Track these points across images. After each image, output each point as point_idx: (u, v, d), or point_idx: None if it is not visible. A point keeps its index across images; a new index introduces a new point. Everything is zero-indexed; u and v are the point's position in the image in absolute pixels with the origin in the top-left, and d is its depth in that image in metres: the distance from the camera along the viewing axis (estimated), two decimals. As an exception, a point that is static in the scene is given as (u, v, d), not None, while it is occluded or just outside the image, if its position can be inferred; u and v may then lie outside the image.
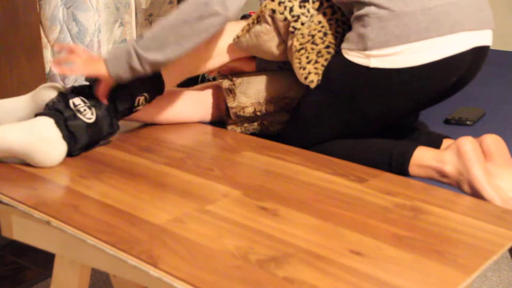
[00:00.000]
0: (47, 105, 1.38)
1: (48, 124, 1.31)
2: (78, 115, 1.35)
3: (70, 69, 1.38)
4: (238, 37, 1.51)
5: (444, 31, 1.26)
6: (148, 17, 2.53)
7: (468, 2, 1.29)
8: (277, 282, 0.88)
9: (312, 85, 1.38)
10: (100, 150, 1.41)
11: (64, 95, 1.39)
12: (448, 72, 1.30)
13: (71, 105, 1.36)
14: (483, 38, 1.31)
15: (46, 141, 1.28)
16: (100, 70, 1.37)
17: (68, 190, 1.18)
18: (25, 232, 1.19)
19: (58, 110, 1.35)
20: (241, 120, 1.57)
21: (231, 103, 1.54)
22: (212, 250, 0.96)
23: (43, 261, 2.14)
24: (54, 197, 1.15)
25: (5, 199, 1.16)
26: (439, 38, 1.26)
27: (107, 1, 2.32)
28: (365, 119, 1.36)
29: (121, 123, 1.65)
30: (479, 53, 1.32)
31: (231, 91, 1.55)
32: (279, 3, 1.42)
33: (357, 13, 1.30)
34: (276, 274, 0.90)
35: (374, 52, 1.27)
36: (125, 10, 2.42)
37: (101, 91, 1.41)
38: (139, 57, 1.35)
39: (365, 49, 1.28)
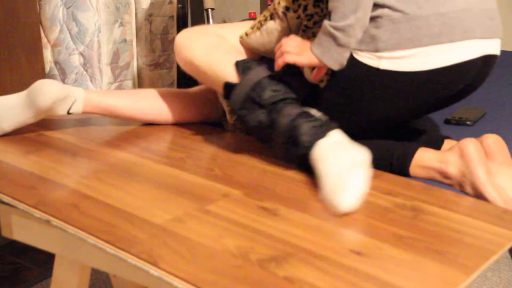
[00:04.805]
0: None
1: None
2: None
3: (282, 59, 1.32)
4: (246, 34, 1.50)
5: (456, 37, 1.25)
6: (148, 17, 2.52)
7: (480, 10, 1.29)
8: (278, 282, 0.87)
9: (322, 84, 1.38)
10: (100, 150, 1.41)
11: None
12: (456, 78, 1.30)
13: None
14: (492, 46, 1.31)
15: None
16: (312, 60, 1.30)
17: (68, 189, 1.18)
18: (25, 232, 1.19)
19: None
20: (239, 127, 1.56)
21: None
22: (213, 250, 0.96)
23: (43, 261, 2.14)
24: (54, 196, 1.15)
25: (5, 199, 1.16)
26: (450, 44, 1.25)
27: (107, 1, 2.32)
28: (370, 120, 1.35)
29: (120, 122, 1.65)
30: (488, 61, 1.32)
31: None
32: (293, 1, 1.42)
33: (370, 14, 1.30)
34: (277, 273, 0.90)
35: (385, 54, 1.26)
36: (125, 10, 2.42)
37: (320, 76, 1.35)
38: (343, 30, 1.24)
39: (376, 50, 1.27)
